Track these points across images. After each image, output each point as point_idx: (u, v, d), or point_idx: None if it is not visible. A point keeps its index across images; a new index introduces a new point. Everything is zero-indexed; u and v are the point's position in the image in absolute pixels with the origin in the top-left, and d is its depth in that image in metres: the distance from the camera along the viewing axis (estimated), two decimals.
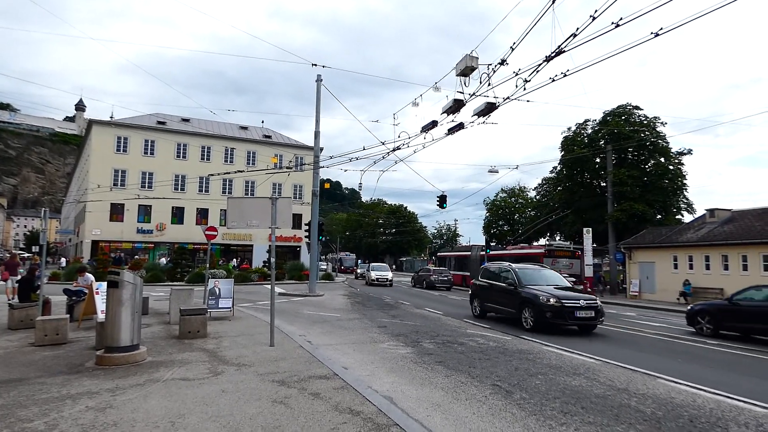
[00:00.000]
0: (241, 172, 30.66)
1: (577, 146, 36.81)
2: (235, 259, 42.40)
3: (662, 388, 6.72)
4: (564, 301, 11.87)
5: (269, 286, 9.19)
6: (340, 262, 62.93)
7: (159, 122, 44.74)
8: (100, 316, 8.98)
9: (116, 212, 40.74)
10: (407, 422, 4.78)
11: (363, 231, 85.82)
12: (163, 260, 35.82)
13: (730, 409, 5.76)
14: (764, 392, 6.59)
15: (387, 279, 34.14)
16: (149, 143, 42.79)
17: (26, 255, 51.82)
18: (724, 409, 5.75)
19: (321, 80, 23.43)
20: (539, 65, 9.56)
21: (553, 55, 9.03)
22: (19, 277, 15.28)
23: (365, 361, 8.09)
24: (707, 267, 24.71)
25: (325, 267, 47.48)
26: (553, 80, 9.81)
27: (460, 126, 13.24)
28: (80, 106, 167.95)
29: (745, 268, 22.85)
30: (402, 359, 8.28)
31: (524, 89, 10.23)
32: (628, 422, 5.17)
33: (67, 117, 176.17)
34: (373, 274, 34.67)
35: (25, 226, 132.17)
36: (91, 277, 12.21)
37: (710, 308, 13.51)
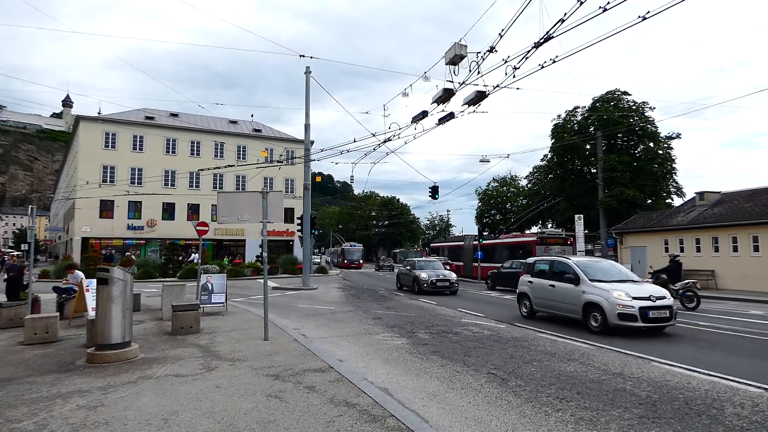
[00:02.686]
0: (232, 166, 30.42)
1: (567, 133, 36.85)
2: (226, 257, 42.06)
3: (656, 371, 6.75)
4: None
5: (262, 281, 9.12)
6: (342, 254, 54.35)
7: (147, 117, 44.15)
8: (91, 313, 8.88)
9: (106, 209, 40.26)
10: (403, 413, 4.76)
11: (356, 223, 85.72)
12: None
13: (725, 390, 5.79)
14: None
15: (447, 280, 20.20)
16: (138, 139, 42.25)
17: (15, 253, 51.23)
18: (719, 390, 5.78)
19: (310, 72, 23.18)
20: (528, 52, 9.48)
21: (541, 41, 8.95)
22: None
23: (360, 353, 8.07)
24: (698, 249, 24.89)
25: (318, 260, 47.32)
26: (542, 67, 9.74)
27: (451, 115, 13.15)
28: (67, 102, 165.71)
29: (735, 249, 23.05)
30: (397, 350, 8.26)
31: (514, 77, 10.16)
32: (623, 406, 5.18)
33: (54, 113, 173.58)
34: (424, 275, 20.04)
35: (14, 224, 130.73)
36: (80, 274, 12.06)
37: (491, 274, 24.23)
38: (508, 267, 22.84)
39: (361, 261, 54.19)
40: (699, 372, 6.65)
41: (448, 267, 29.27)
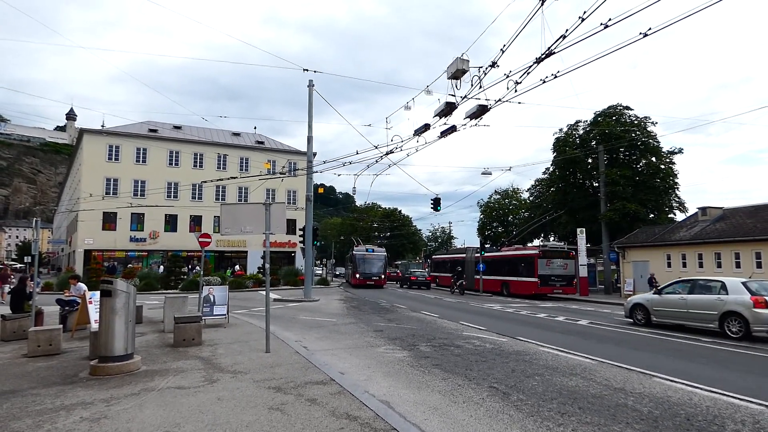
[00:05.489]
0: (234, 178, 30.62)
1: (569, 147, 36.99)
2: (229, 268, 42.21)
3: (658, 386, 6.74)
4: None
5: (264, 292, 9.15)
6: (354, 264, 37.71)
7: (151, 130, 44.52)
8: (94, 325, 8.92)
9: (109, 221, 40.44)
10: (405, 426, 4.77)
11: (357, 235, 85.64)
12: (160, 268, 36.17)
13: (726, 407, 5.79)
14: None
15: None
16: (141, 151, 42.58)
17: (18, 266, 51.37)
18: (720, 407, 5.77)
19: (313, 85, 23.42)
20: (530, 67, 9.62)
21: (543, 56, 9.09)
22: (8, 287, 15.29)
23: (362, 365, 8.07)
24: (700, 265, 24.83)
25: (320, 272, 47.18)
26: (544, 82, 9.87)
27: (453, 129, 13.27)
28: (71, 116, 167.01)
29: (737, 265, 22.99)
30: (398, 363, 8.26)
31: (515, 91, 10.29)
32: (625, 422, 5.18)
33: (58, 126, 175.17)
34: None
35: (17, 237, 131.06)
36: (83, 286, 12.11)
37: (399, 277, 42.62)
38: (411, 272, 39.88)
39: (384, 276, 37.21)
40: (701, 388, 6.64)
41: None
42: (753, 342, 11.15)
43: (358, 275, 35.99)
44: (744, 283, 12.29)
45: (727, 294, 12.14)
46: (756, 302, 11.37)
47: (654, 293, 14.68)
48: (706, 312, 12.39)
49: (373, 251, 38.46)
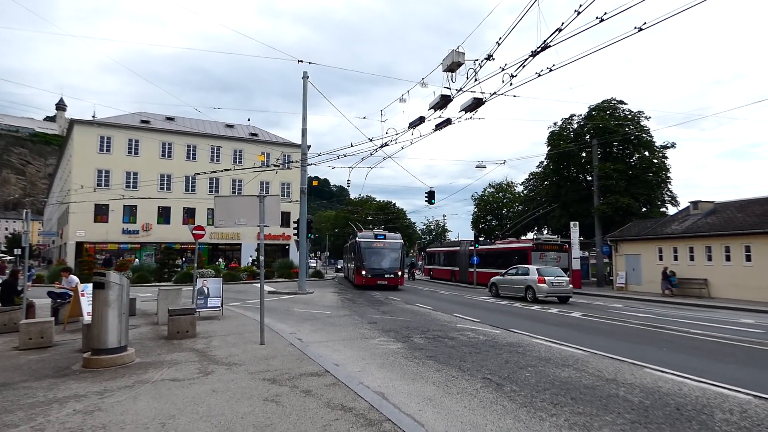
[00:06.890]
0: (228, 170, 30.41)
1: (563, 141, 37.04)
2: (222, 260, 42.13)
3: (649, 377, 6.82)
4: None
5: (258, 285, 9.14)
6: (358, 257, 27.04)
7: (143, 121, 44.09)
8: (86, 318, 8.86)
9: (101, 213, 40.12)
10: (399, 417, 4.80)
11: (352, 228, 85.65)
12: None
13: (715, 397, 5.87)
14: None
15: None
16: (133, 142, 42.19)
17: (9, 258, 50.98)
18: (709, 397, 5.86)
19: (307, 77, 23.28)
20: (525, 60, 9.62)
21: (538, 50, 9.09)
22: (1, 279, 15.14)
23: (356, 357, 8.10)
24: (691, 258, 25.06)
25: (314, 264, 47.14)
26: (539, 75, 9.87)
27: (448, 121, 13.28)
28: (61, 106, 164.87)
29: (728, 258, 23.23)
30: (393, 355, 8.30)
31: (511, 84, 10.30)
32: (616, 412, 5.24)
33: (47, 117, 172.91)
34: None
35: (6, 229, 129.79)
36: (75, 278, 12.03)
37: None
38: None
39: (400, 273, 27.03)
40: (690, 378, 6.73)
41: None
42: (539, 304, 18.71)
43: (364, 272, 26.25)
44: (537, 269, 20.29)
45: (529, 275, 20.09)
46: (539, 280, 19.39)
47: (501, 276, 22.45)
48: (520, 286, 20.50)
49: (384, 238, 27.90)
